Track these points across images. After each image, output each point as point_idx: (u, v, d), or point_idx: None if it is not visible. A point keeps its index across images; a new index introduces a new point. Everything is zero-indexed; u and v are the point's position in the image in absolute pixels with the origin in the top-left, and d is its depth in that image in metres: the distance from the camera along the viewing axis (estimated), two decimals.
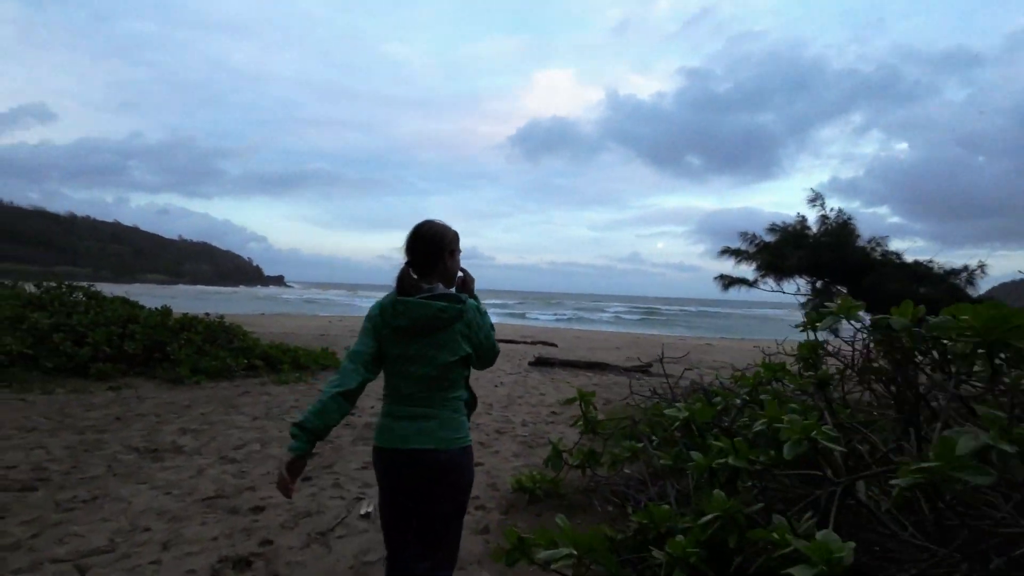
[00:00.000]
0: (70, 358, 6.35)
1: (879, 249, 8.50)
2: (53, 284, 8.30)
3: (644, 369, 10.57)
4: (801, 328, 2.45)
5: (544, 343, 19.10)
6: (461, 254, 1.80)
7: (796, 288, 9.04)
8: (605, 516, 2.93)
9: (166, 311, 8.20)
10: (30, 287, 8.30)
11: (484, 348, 1.70)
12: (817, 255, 8.36)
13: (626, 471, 3.32)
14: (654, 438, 3.08)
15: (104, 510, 2.89)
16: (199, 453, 3.93)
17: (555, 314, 52.02)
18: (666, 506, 1.97)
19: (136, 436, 4.18)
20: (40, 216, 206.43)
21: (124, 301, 8.64)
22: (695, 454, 2.04)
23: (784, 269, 8.84)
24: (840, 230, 8.71)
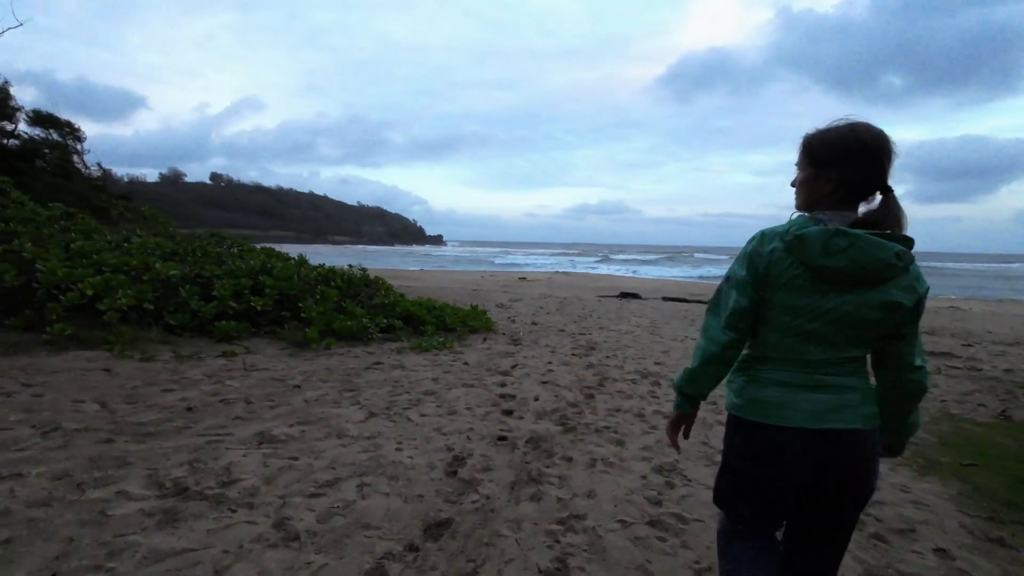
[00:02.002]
0: (194, 314, 5.44)
1: None
2: (203, 234, 7.80)
3: None
4: None
5: None
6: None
7: None
8: None
9: (301, 261, 7.18)
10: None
11: (918, 308, 1.23)
12: None
13: None
14: None
15: None
16: (252, 500, 2.21)
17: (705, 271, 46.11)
18: None
19: (186, 452, 2.64)
20: (258, 190, 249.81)
21: (271, 253, 7.85)
22: None
23: None
24: None
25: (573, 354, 6.31)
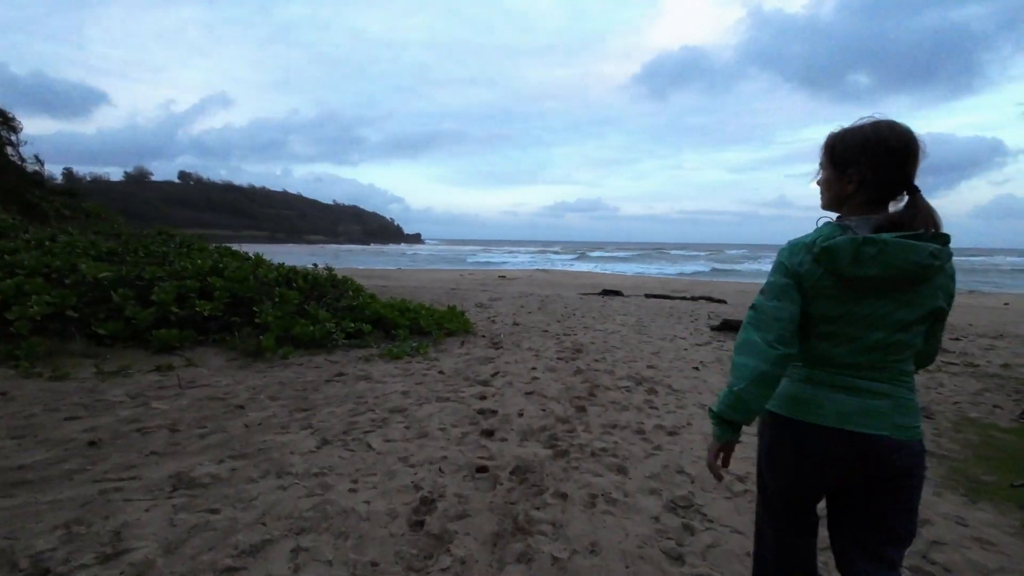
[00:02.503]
0: (128, 322, 4.75)
1: None
2: (150, 232, 7.04)
3: None
4: None
5: (708, 298, 15.42)
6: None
7: None
8: None
9: (258, 260, 6.50)
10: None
11: (950, 306, 1.25)
12: None
13: None
14: None
15: None
16: None
17: (688, 266, 46.25)
18: None
19: (69, 508, 2.03)
20: (229, 189, 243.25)
21: (224, 251, 7.13)
22: None
23: None
24: None
25: (559, 358, 5.80)
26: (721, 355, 6.42)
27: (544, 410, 3.75)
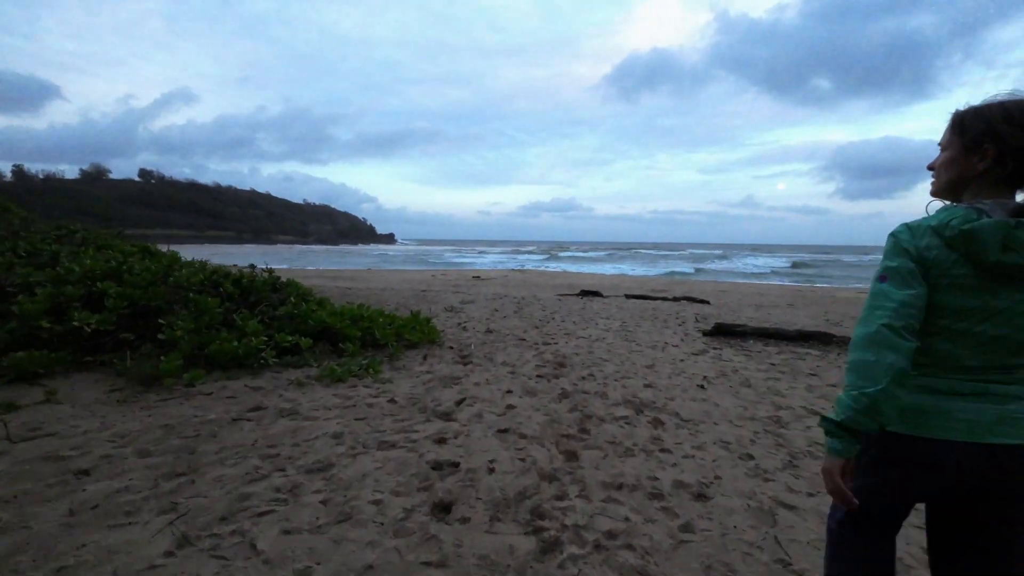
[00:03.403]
0: None
1: None
2: (44, 227, 5.78)
3: None
4: None
5: (690, 299, 14.74)
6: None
7: None
8: None
9: (173, 259, 5.36)
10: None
11: None
12: None
13: None
14: None
15: None
16: None
17: (670, 265, 46.16)
18: None
19: None
20: (192, 187, 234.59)
21: (130, 251, 5.90)
22: None
23: None
24: None
25: (539, 375, 4.86)
26: (724, 367, 5.57)
27: (523, 460, 2.78)
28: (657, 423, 3.53)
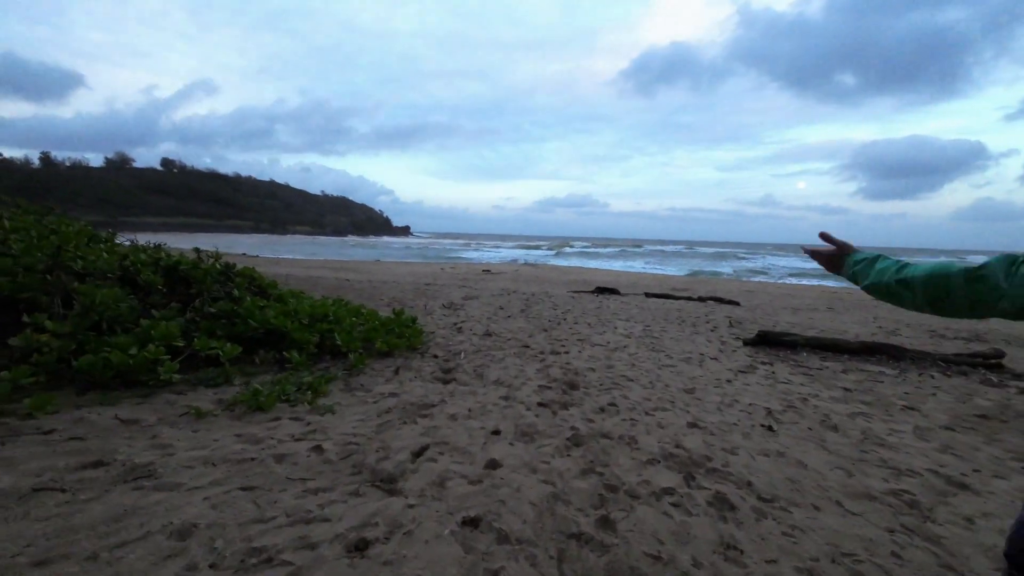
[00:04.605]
0: None
1: None
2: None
3: (989, 362, 5.85)
4: None
5: (717, 299, 13.23)
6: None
7: None
8: None
9: (67, 238, 4.16)
10: None
11: None
12: None
13: None
14: None
15: None
16: None
17: (690, 263, 44.31)
18: None
19: None
20: (213, 177, 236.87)
21: (24, 223, 4.70)
22: None
23: None
24: None
25: (541, 403, 3.57)
26: (787, 394, 4.22)
27: None
28: (722, 503, 2.22)
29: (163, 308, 4.24)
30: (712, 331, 7.81)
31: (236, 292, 4.70)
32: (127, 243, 5.70)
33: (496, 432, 2.94)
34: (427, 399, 3.54)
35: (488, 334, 6.42)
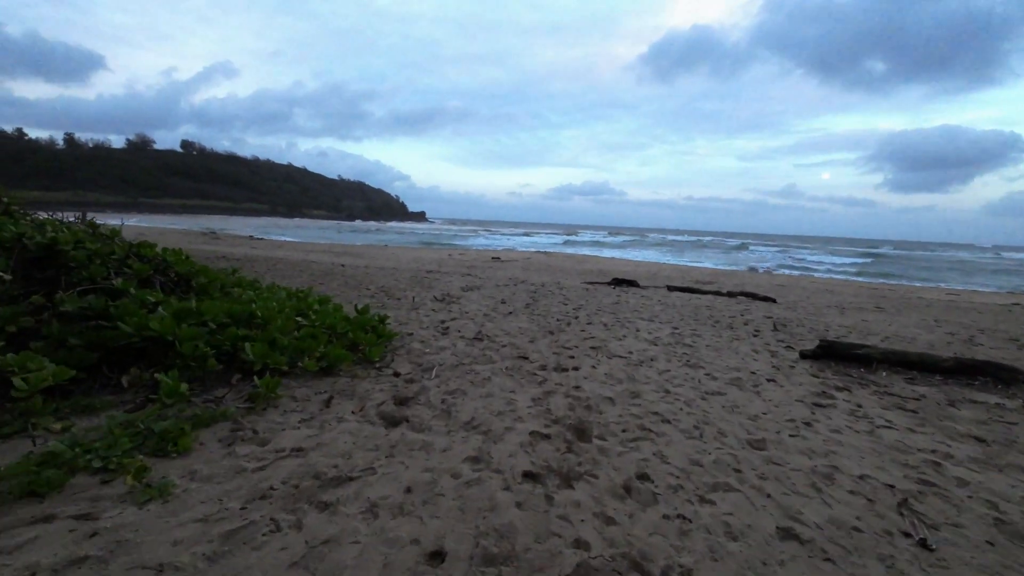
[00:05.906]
0: None
1: None
2: None
3: None
4: None
5: (749, 295, 11.61)
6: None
7: None
8: None
9: None
10: None
11: None
12: None
13: None
14: None
15: None
16: None
17: (703, 254, 42.30)
18: None
19: None
20: (231, 160, 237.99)
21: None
22: None
23: None
24: None
25: (527, 474, 2.22)
26: (905, 452, 2.80)
27: None
28: None
29: (11, 303, 2.98)
30: (755, 336, 6.35)
31: (119, 282, 3.40)
32: (41, 216, 4.47)
33: (437, 556, 1.60)
34: (348, 463, 2.21)
35: (479, 337, 5.08)
